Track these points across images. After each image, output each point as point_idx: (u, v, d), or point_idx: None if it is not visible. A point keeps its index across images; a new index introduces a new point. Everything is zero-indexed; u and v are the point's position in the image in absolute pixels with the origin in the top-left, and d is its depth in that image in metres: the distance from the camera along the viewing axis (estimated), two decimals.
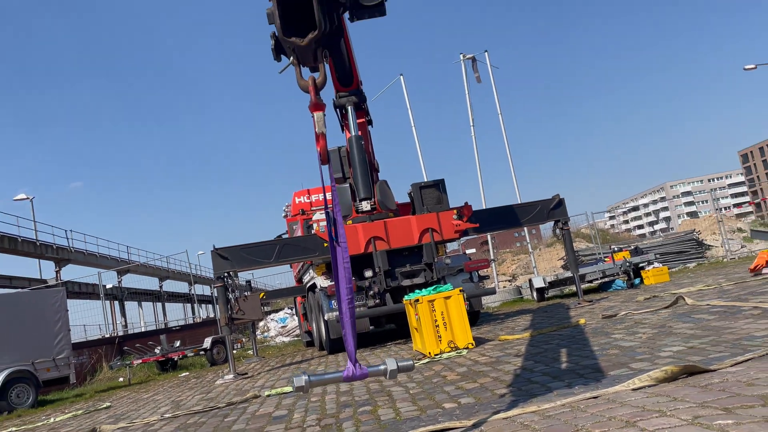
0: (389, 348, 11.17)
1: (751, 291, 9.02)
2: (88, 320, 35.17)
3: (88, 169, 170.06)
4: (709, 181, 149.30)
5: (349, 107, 12.34)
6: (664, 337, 6.02)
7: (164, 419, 7.11)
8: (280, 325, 25.49)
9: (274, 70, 4.56)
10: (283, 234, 16.49)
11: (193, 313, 46.90)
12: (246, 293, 14.51)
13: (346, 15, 5.02)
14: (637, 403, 3.59)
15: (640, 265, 17.36)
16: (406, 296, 9.98)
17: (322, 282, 12.35)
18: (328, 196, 4.26)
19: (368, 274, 11.63)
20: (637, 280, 16.74)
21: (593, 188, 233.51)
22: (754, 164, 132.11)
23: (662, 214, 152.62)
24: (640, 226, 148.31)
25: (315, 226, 12.18)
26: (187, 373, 16.12)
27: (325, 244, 11.31)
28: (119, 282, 38.80)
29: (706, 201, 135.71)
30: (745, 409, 3.08)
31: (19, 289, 28.73)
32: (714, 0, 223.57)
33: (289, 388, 7.61)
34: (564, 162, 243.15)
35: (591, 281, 17.15)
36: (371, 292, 11.53)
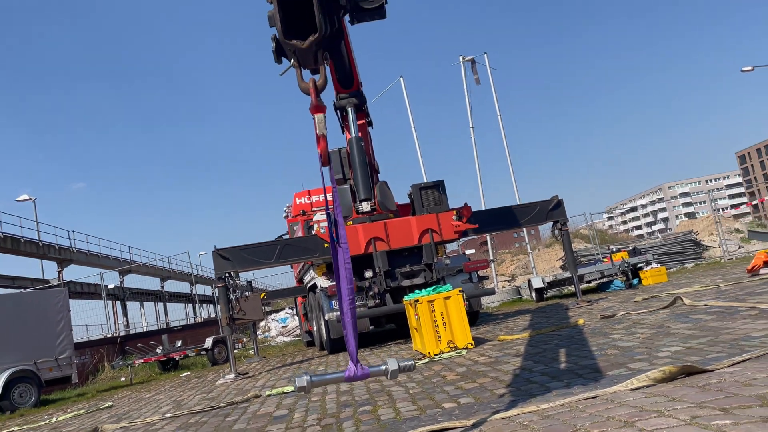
0: (389, 348, 11.20)
1: (748, 291, 9.05)
2: (90, 320, 35.30)
3: (90, 170, 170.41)
4: (706, 182, 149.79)
5: (350, 109, 12.36)
6: (662, 338, 6.04)
7: (166, 419, 7.14)
8: (280, 325, 25.51)
9: (275, 71, 4.56)
10: (284, 234, 16.51)
11: (195, 313, 47.02)
12: (247, 293, 14.57)
13: (347, 17, 5.04)
14: (636, 404, 3.60)
15: (639, 265, 17.39)
16: (405, 296, 10.01)
17: (322, 282, 12.39)
18: (329, 197, 4.28)
19: (368, 274, 11.65)
20: (635, 281, 16.77)
21: (592, 189, 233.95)
22: (752, 165, 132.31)
23: (660, 215, 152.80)
24: (638, 227, 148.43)
25: (315, 226, 12.21)
26: (189, 373, 16.14)
27: (326, 245, 11.35)
28: (121, 282, 38.89)
29: (704, 202, 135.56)
30: (742, 409, 3.09)
31: (22, 290, 28.78)
32: (712, 2, 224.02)
33: (289, 388, 7.64)
34: (563, 163, 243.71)
35: (589, 282, 17.18)
36: (371, 292, 11.56)
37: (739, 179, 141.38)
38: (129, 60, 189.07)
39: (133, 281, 41.20)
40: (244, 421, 5.90)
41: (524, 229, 19.99)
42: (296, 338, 23.03)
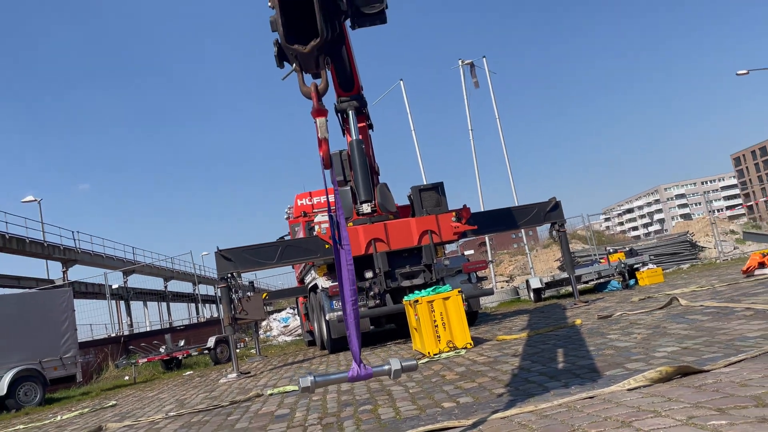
0: (389, 347, 11.24)
1: (743, 292, 9.11)
2: (94, 320, 35.32)
3: (95, 171, 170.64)
4: (702, 183, 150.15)
5: (350, 112, 12.43)
6: (658, 338, 6.07)
7: (169, 417, 7.17)
8: (282, 324, 25.54)
9: (278, 74, 4.58)
10: (286, 235, 16.55)
11: (197, 312, 47.09)
12: (249, 294, 14.63)
13: (348, 22, 5.08)
14: (633, 404, 3.61)
15: (635, 266, 17.47)
16: (405, 297, 10.08)
17: (323, 282, 12.46)
18: (331, 198, 4.32)
19: (369, 275, 11.72)
20: (631, 281, 16.84)
21: (589, 190, 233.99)
22: (746, 167, 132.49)
23: (656, 216, 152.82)
24: (635, 228, 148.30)
25: (316, 227, 12.27)
26: (191, 372, 16.17)
27: (327, 246, 11.42)
28: (125, 282, 39.01)
29: (700, 203, 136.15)
30: (738, 409, 3.11)
31: (27, 290, 28.89)
32: (708, 4, 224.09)
33: (291, 387, 7.69)
34: (561, 164, 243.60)
35: (587, 282, 17.22)
36: (371, 292, 11.62)
37: (734, 181, 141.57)
38: (132, 62, 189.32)
39: (137, 281, 41.46)
40: (246, 420, 5.93)
41: (522, 230, 20.04)
42: (297, 338, 23.07)
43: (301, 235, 14.84)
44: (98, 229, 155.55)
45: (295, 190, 20.15)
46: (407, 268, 11.94)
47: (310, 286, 14.47)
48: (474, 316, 12.80)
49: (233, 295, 11.74)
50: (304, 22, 3.95)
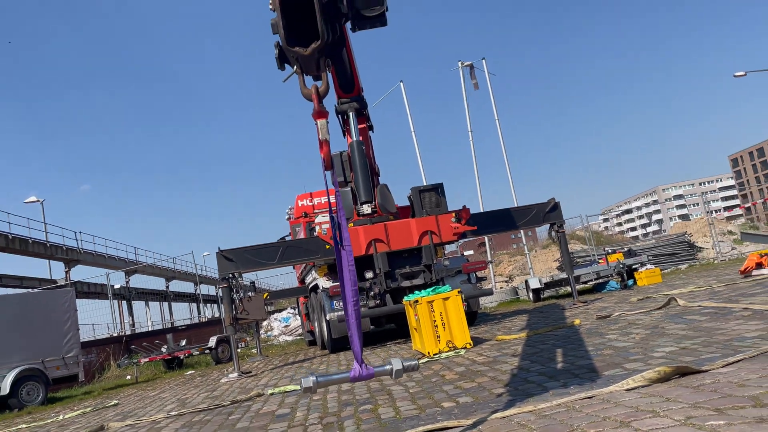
0: (389, 347, 11.27)
1: (741, 292, 9.13)
2: (96, 319, 35.32)
3: (97, 172, 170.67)
4: (700, 184, 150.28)
5: (351, 113, 12.47)
6: (656, 338, 6.09)
7: (170, 417, 7.18)
8: (283, 324, 25.57)
9: (279, 76, 4.59)
10: (287, 236, 16.59)
11: (199, 312, 47.02)
12: (250, 294, 14.67)
13: (348, 25, 5.10)
14: (631, 404, 3.63)
15: (634, 266, 17.52)
16: (405, 297, 10.13)
17: (324, 283, 12.50)
18: (332, 199, 4.34)
19: (369, 275, 11.76)
20: (630, 282, 16.89)
21: (588, 191, 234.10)
22: (744, 168, 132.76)
23: (654, 217, 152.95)
24: (633, 229, 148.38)
25: (317, 228, 12.31)
26: (193, 372, 16.21)
27: (327, 246, 11.46)
28: (127, 282, 39.08)
29: (698, 204, 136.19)
30: (736, 409, 3.12)
31: (30, 289, 28.94)
32: (708, 4, 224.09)
33: (291, 387, 7.72)
34: (560, 165, 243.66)
35: (585, 282, 17.26)
36: (372, 292, 11.67)
37: (732, 182, 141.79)
38: (133, 63, 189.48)
39: (139, 281, 41.42)
40: (247, 419, 5.95)
41: (522, 230, 20.08)
42: (298, 338, 23.10)
43: (302, 235, 14.88)
44: (100, 230, 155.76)
45: (295, 191, 20.23)
46: (407, 269, 11.98)
47: (310, 286, 14.51)
48: (473, 316, 12.84)
49: (234, 295, 11.78)
50: (305, 24, 3.97)
